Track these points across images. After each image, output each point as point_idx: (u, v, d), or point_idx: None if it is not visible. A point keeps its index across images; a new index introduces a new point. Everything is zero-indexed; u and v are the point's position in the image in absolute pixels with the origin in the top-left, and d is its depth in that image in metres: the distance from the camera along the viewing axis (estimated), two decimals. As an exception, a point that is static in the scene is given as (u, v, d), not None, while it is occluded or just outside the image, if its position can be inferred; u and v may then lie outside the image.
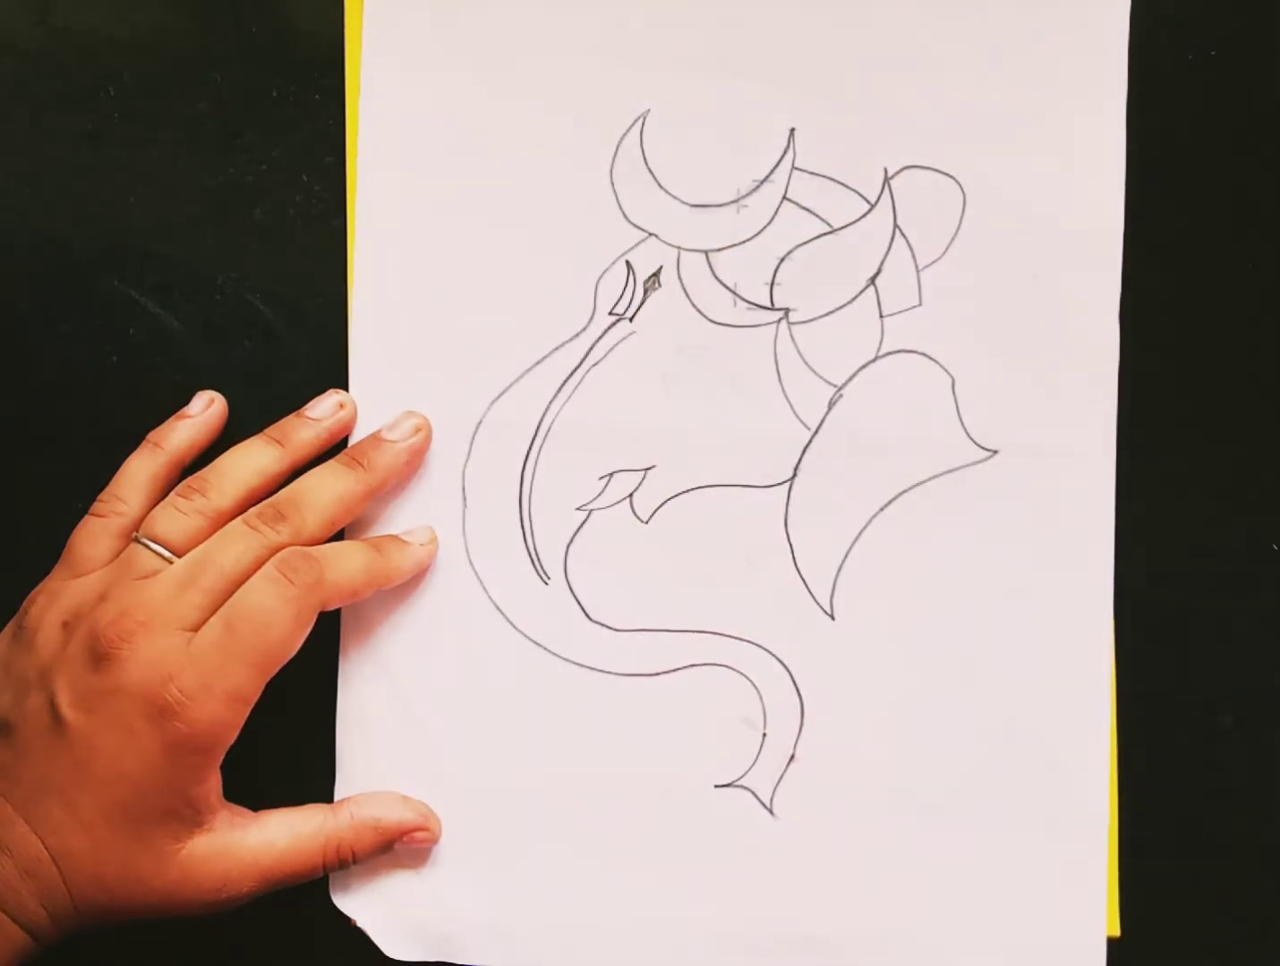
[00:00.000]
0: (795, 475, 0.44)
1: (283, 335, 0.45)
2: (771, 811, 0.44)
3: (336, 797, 0.44)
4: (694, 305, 0.44)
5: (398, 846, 0.43)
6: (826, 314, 0.44)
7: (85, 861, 0.39)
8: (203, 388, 0.44)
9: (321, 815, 0.42)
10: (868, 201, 0.44)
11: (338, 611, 0.44)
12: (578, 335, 0.44)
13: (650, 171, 0.44)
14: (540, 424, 0.44)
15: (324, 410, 0.44)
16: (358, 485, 0.43)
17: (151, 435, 0.44)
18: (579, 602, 0.45)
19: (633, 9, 0.44)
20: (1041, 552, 0.44)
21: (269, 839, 0.41)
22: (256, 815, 0.42)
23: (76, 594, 0.41)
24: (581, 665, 0.44)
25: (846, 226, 0.44)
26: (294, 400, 0.44)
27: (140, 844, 0.39)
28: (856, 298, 0.44)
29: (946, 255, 0.44)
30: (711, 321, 0.44)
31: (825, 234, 0.44)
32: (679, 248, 0.44)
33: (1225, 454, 0.45)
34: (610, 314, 0.44)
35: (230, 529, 0.41)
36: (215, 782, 0.40)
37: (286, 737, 0.44)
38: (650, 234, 0.44)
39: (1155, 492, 0.45)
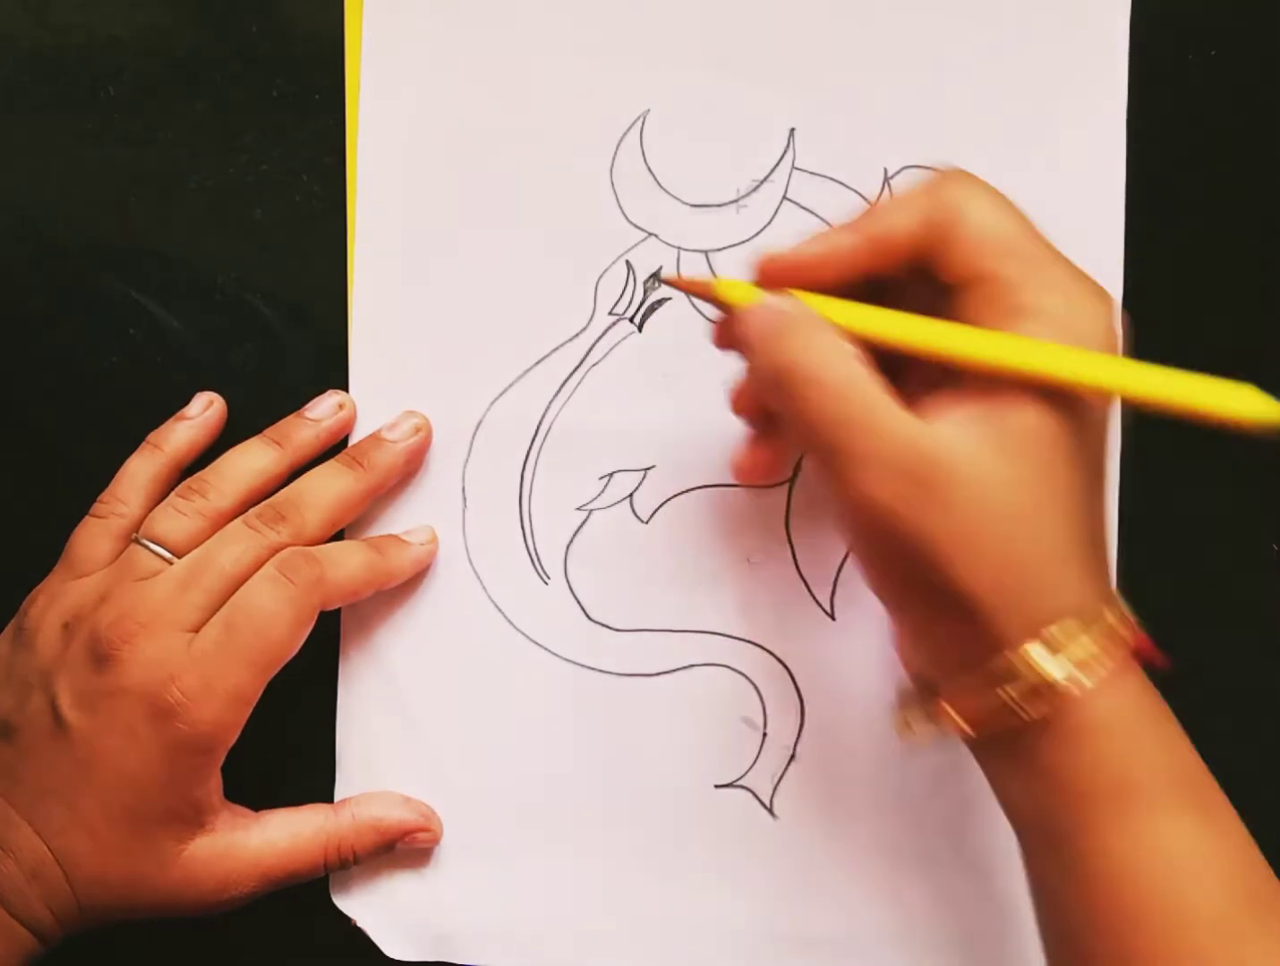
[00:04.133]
0: (796, 475, 0.44)
1: (283, 335, 0.45)
2: (771, 811, 0.44)
3: (337, 798, 0.44)
4: (694, 305, 0.44)
5: (399, 846, 0.43)
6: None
7: (89, 862, 0.39)
8: (203, 388, 0.44)
9: (323, 815, 0.42)
10: (868, 201, 0.44)
11: (338, 611, 0.44)
12: (578, 335, 0.44)
13: (650, 171, 0.44)
14: (540, 424, 0.44)
15: (324, 410, 0.44)
16: (357, 485, 0.43)
17: (151, 436, 0.44)
18: (579, 602, 0.45)
19: (633, 9, 0.44)
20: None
21: (270, 839, 0.41)
22: (258, 815, 0.42)
23: (77, 595, 0.41)
24: (581, 665, 0.44)
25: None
26: (294, 400, 0.44)
27: (143, 844, 0.39)
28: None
29: (946, 255, 0.44)
30: (711, 321, 0.44)
31: (825, 234, 0.44)
32: (679, 248, 0.44)
33: (1225, 452, 0.45)
34: (610, 314, 0.44)
35: (230, 529, 0.41)
36: (216, 783, 0.40)
37: (286, 737, 0.44)
38: (650, 234, 0.44)
39: (1155, 492, 0.45)
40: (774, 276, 0.36)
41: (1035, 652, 0.33)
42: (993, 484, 0.33)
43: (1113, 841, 0.33)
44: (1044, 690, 0.33)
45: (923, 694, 0.37)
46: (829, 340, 0.34)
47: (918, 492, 0.33)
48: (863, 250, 0.35)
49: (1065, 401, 0.33)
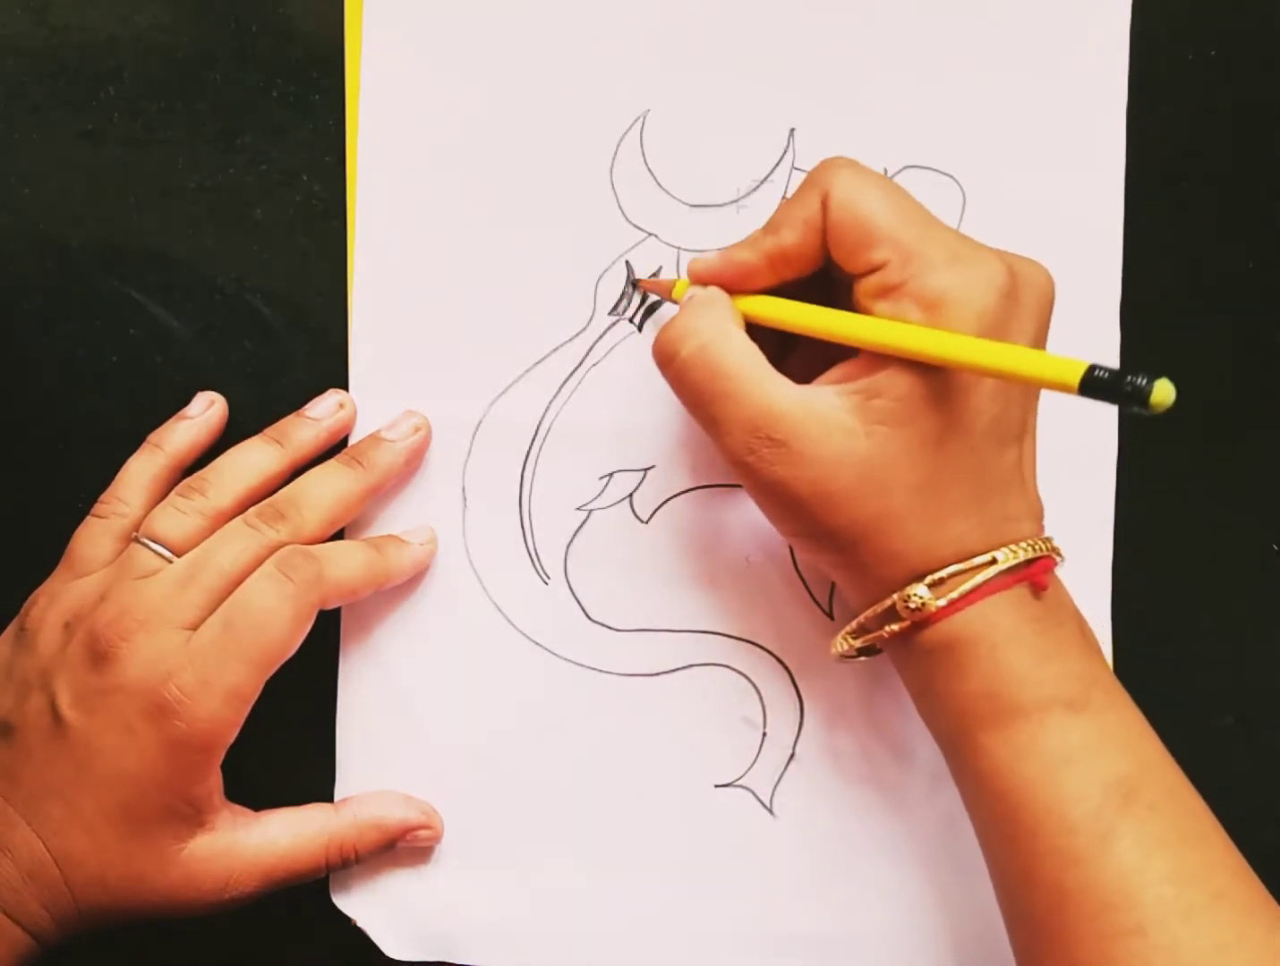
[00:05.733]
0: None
1: (283, 335, 0.45)
2: (771, 811, 0.44)
3: (337, 798, 0.44)
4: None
5: (400, 845, 0.43)
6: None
7: (87, 863, 0.39)
8: (203, 388, 0.44)
9: (324, 814, 0.42)
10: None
11: (337, 611, 0.44)
12: (578, 335, 0.44)
13: (650, 171, 0.44)
14: (540, 424, 0.44)
15: (324, 410, 0.44)
16: (356, 484, 0.43)
17: (152, 437, 0.44)
18: (579, 602, 0.45)
19: (633, 9, 0.44)
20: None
21: (271, 838, 0.41)
22: (258, 815, 0.42)
23: (77, 595, 0.41)
24: (581, 665, 0.44)
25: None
26: (294, 400, 0.44)
27: (142, 844, 0.39)
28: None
29: (946, 255, 0.44)
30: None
31: (825, 234, 0.44)
32: (679, 248, 0.44)
33: (1225, 454, 0.45)
34: (610, 314, 0.44)
35: (229, 528, 0.41)
36: (216, 782, 0.40)
37: (286, 737, 0.44)
38: (650, 234, 0.44)
39: (1155, 492, 0.45)
40: (701, 280, 0.40)
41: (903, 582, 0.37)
42: (843, 440, 0.36)
43: (992, 747, 0.37)
44: (905, 613, 0.37)
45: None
46: (723, 326, 0.38)
47: (768, 447, 0.36)
48: (762, 266, 0.38)
49: (935, 371, 0.35)
